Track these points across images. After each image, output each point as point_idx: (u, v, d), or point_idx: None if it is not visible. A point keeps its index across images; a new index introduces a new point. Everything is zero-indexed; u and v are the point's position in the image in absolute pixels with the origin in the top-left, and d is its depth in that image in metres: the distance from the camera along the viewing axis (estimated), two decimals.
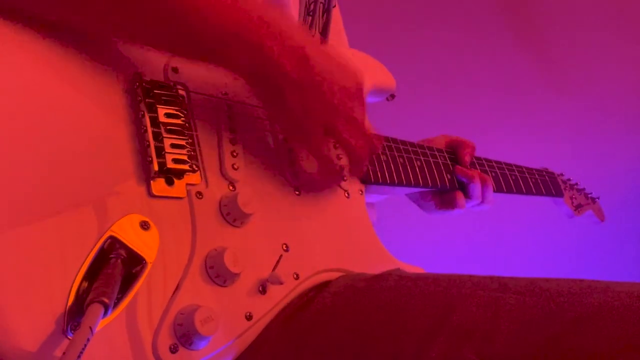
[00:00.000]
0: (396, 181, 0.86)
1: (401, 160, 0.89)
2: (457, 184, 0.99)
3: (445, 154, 1.00)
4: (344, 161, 0.75)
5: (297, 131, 0.66)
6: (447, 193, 1.00)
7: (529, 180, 1.16)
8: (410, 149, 0.93)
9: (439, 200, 1.01)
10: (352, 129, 0.67)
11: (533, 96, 2.15)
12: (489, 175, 1.05)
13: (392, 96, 0.98)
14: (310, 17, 0.91)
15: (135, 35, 0.59)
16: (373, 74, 0.94)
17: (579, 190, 1.31)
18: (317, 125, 0.65)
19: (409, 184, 0.89)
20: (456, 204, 0.99)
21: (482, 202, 1.02)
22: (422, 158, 0.94)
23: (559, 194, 1.23)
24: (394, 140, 0.90)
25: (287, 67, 0.60)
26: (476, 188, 0.99)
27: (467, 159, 1.00)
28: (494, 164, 1.10)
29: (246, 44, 0.58)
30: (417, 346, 0.53)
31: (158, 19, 0.56)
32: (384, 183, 0.84)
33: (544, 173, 1.22)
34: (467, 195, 1.00)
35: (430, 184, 0.94)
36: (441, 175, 0.96)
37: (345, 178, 0.76)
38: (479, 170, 1.04)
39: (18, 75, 0.51)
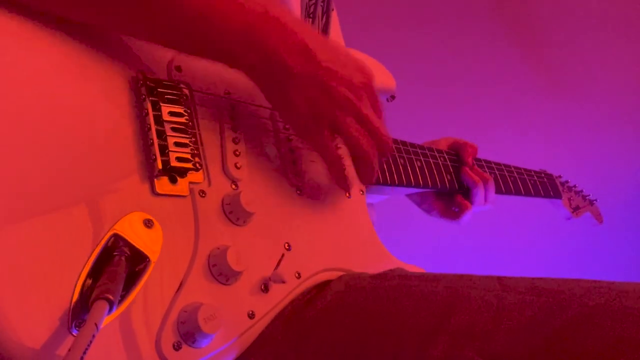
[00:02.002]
0: (397, 182, 0.86)
1: (402, 161, 0.89)
2: (457, 185, 1.00)
3: (445, 155, 1.01)
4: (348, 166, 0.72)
5: (303, 129, 0.65)
6: (454, 205, 1.01)
7: (528, 181, 1.16)
8: (410, 149, 0.93)
9: (444, 209, 1.02)
10: (362, 127, 0.65)
11: (531, 97, 2.16)
12: (490, 179, 1.05)
13: (392, 97, 0.99)
14: (310, 19, 0.91)
15: (141, 32, 0.59)
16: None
17: (577, 192, 1.32)
18: (324, 122, 0.64)
19: (409, 185, 0.89)
20: (462, 219, 1.01)
21: (484, 203, 1.03)
22: (422, 159, 0.94)
23: (557, 195, 1.24)
24: (395, 141, 0.91)
25: (290, 62, 0.59)
26: (479, 194, 1.00)
27: (470, 160, 1.01)
28: (493, 165, 1.10)
29: (251, 42, 0.58)
30: (418, 345, 0.54)
31: (164, 17, 0.56)
32: (385, 183, 0.85)
33: (543, 175, 1.23)
34: (470, 200, 1.00)
35: (430, 185, 0.94)
36: (441, 176, 0.97)
37: (349, 187, 0.72)
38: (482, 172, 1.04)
39: (21, 72, 0.51)
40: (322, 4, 0.93)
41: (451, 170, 1.00)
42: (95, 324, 0.44)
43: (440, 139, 1.08)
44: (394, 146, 0.87)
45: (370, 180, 0.70)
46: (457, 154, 1.03)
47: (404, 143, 0.92)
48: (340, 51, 0.65)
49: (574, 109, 2.22)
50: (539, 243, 2.25)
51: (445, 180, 0.98)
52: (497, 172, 1.09)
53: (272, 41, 0.58)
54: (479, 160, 1.07)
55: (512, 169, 1.15)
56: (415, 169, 0.91)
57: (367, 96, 0.66)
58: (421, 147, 0.96)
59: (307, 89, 0.61)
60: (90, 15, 0.56)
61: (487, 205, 1.04)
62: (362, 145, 0.65)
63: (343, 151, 0.68)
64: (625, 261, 2.45)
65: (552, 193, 1.22)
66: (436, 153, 0.99)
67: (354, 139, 0.65)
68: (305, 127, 0.64)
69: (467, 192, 1.01)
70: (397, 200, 1.06)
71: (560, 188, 1.26)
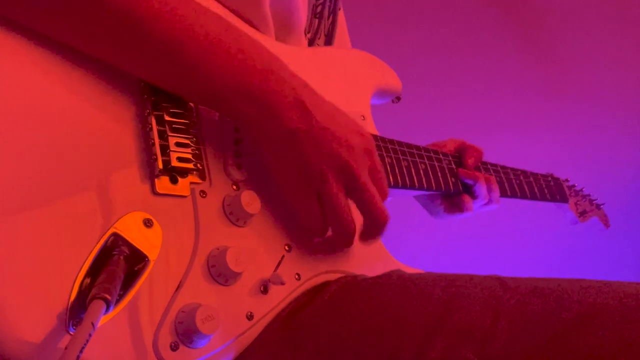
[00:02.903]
0: (400, 184, 0.86)
1: (405, 163, 0.89)
2: (461, 187, 0.99)
3: (450, 157, 1.00)
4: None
5: (288, 189, 0.64)
6: (455, 197, 1.01)
7: (534, 185, 1.15)
8: (415, 152, 0.92)
9: (448, 205, 1.02)
10: (350, 195, 0.65)
11: (538, 100, 2.15)
12: (492, 176, 1.05)
13: (398, 98, 0.98)
14: (317, 20, 0.91)
15: (140, 74, 0.59)
16: (378, 74, 0.94)
17: (584, 197, 1.31)
18: (312, 186, 0.63)
19: (412, 187, 0.89)
20: (464, 207, 1.00)
21: (489, 202, 1.02)
22: (426, 161, 0.94)
23: (563, 199, 1.23)
24: (399, 143, 0.90)
25: (287, 119, 0.60)
26: (482, 188, 0.99)
27: (471, 162, 1.01)
28: (498, 168, 1.10)
29: (249, 96, 0.59)
30: (416, 346, 0.54)
31: (163, 64, 0.57)
32: (388, 186, 0.84)
33: (550, 178, 1.22)
34: (474, 197, 1.00)
35: (434, 187, 0.93)
36: (445, 178, 0.96)
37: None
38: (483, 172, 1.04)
39: (23, 73, 0.52)
40: (329, 3, 0.93)
41: (456, 172, 0.99)
42: (92, 323, 0.44)
43: (447, 140, 1.07)
44: (388, 146, 0.86)
45: (342, 249, 0.70)
46: (460, 156, 1.02)
47: (408, 145, 0.92)
48: (339, 113, 0.65)
49: (581, 111, 2.21)
50: (539, 243, 2.24)
51: (450, 183, 0.97)
52: (502, 176, 1.09)
53: (270, 97, 0.59)
54: (484, 163, 1.07)
55: (518, 172, 1.14)
56: (419, 171, 0.91)
57: (366, 161, 0.65)
58: (426, 150, 0.96)
59: (298, 147, 0.61)
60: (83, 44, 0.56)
61: (492, 205, 1.04)
62: (340, 213, 0.64)
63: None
64: (626, 261, 2.43)
65: (558, 197, 1.21)
66: (441, 156, 0.98)
67: (332, 205, 0.63)
68: (289, 189, 0.64)
69: (472, 192, 1.01)
70: (399, 202, 1.05)
71: (567, 192, 1.25)
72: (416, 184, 0.89)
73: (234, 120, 0.64)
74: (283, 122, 0.60)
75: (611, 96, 2.24)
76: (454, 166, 1.00)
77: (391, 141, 0.89)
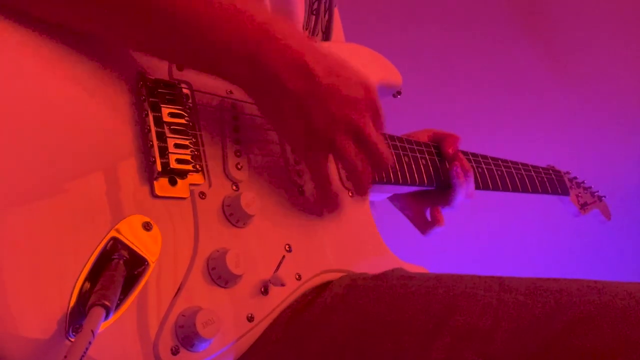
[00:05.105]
0: (400, 181, 0.85)
1: (406, 159, 0.88)
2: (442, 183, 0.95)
3: (432, 148, 0.97)
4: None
5: (297, 147, 0.65)
6: (428, 213, 0.98)
7: (535, 178, 1.15)
8: (415, 147, 0.92)
9: (416, 213, 1.00)
10: (358, 145, 0.65)
11: (540, 94, 2.13)
12: (472, 171, 0.99)
13: (399, 93, 0.97)
14: (314, 16, 0.90)
15: (136, 42, 0.58)
16: (378, 69, 0.93)
17: (585, 189, 1.30)
18: (318, 144, 0.63)
19: (413, 183, 0.88)
20: (438, 222, 0.98)
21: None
22: (427, 157, 0.93)
23: (564, 192, 1.22)
24: (400, 139, 0.90)
25: (288, 81, 0.58)
26: (459, 194, 0.95)
27: (451, 151, 0.96)
28: (499, 162, 1.09)
29: (249, 58, 0.57)
30: (418, 346, 0.54)
31: (160, 27, 0.55)
32: (389, 182, 0.84)
33: (550, 171, 1.21)
34: (448, 200, 0.96)
35: (435, 183, 0.93)
36: (446, 173, 0.95)
37: (337, 207, 0.72)
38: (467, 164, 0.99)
39: (22, 74, 0.51)
40: (325, 0, 0.92)
41: (439, 167, 0.96)
42: (92, 331, 0.44)
43: (419, 131, 1.03)
44: (389, 143, 0.86)
45: (363, 194, 0.71)
46: (438, 146, 0.98)
47: (409, 141, 0.91)
48: (342, 66, 0.64)
49: (582, 106, 2.20)
50: (540, 243, 2.24)
51: (440, 177, 0.94)
52: (503, 169, 1.08)
53: (271, 59, 0.57)
54: (484, 157, 1.06)
55: (519, 165, 1.13)
56: (420, 167, 0.90)
57: (369, 111, 0.65)
58: (427, 145, 0.95)
59: (304, 108, 0.60)
60: (87, 25, 0.56)
61: (467, 199, 0.99)
62: (356, 168, 0.66)
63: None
64: (626, 261, 2.43)
65: (559, 190, 1.21)
66: (423, 147, 0.95)
67: (349, 163, 0.65)
68: (299, 146, 0.64)
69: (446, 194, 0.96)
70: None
71: (568, 184, 1.25)
72: (417, 180, 0.88)
73: (233, 84, 0.62)
74: (284, 86, 0.58)
75: (617, 91, 2.22)
76: (435, 157, 0.96)
77: (392, 137, 0.88)
